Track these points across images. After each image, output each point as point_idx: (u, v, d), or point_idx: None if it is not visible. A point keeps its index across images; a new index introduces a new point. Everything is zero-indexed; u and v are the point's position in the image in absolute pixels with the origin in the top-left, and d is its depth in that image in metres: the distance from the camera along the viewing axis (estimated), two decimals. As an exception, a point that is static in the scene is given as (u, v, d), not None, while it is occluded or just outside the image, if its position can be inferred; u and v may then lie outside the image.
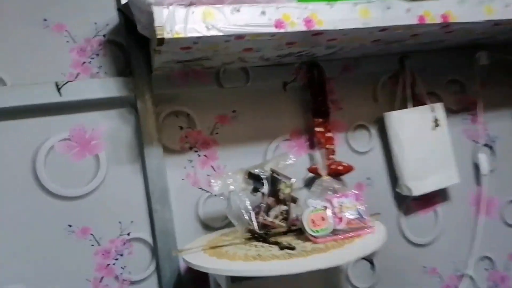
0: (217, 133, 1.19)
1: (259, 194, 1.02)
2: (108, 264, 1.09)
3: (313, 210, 0.89)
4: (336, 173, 1.19)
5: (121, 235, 1.10)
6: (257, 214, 1.00)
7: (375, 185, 1.33)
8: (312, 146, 1.27)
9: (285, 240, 0.93)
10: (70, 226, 1.07)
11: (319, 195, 0.92)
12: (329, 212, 0.90)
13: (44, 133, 1.06)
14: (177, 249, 1.04)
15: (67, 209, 1.06)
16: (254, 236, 0.96)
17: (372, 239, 0.87)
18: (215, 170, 1.18)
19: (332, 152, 1.22)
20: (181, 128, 1.17)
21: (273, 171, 1.01)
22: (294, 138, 1.27)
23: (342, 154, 1.28)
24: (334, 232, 0.89)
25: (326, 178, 0.92)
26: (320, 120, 1.22)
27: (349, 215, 0.91)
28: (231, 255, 0.86)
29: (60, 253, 1.05)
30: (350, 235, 0.88)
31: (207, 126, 1.19)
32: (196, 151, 1.18)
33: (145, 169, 1.10)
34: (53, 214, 1.05)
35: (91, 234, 1.08)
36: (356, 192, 0.93)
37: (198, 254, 0.92)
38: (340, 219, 0.90)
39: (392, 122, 1.27)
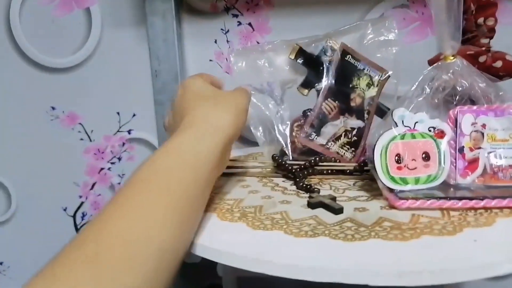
0: (274, -13, 0.70)
1: (312, 92, 0.54)
2: (102, 168, 0.78)
3: (403, 134, 0.38)
4: (489, 72, 0.60)
5: (119, 131, 0.77)
6: (299, 128, 0.53)
7: None
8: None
9: (336, 186, 0.45)
10: (53, 108, 0.77)
11: (428, 103, 0.39)
12: (444, 143, 0.38)
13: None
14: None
15: (50, 84, 0.76)
16: (281, 168, 0.50)
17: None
18: (263, 50, 0.72)
19: (490, 31, 0.62)
20: (215, -27, 0.70)
21: (346, 52, 0.50)
22: (417, 3, 0.69)
23: (509, 42, 0.66)
24: (449, 188, 0.38)
25: (453, 61, 0.38)
26: (476, -36, 0.61)
27: (496, 157, 0.38)
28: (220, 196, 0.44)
29: (43, 143, 0.78)
30: (487, 204, 0.36)
31: (257, -28, 0.70)
32: (235, 16, 0.71)
33: (149, 37, 0.70)
34: (32, 89, 0.76)
35: (80, 123, 0.77)
36: (529, 107, 0.38)
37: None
38: (473, 162, 0.38)
39: None
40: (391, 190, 0.38)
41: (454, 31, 0.37)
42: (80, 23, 0.73)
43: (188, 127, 0.36)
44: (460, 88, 0.38)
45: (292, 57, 0.53)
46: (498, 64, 0.61)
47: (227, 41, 0.72)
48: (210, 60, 0.73)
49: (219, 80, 0.46)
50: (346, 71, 0.52)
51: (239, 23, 0.71)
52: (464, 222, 0.33)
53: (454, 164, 0.39)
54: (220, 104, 0.38)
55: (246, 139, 0.75)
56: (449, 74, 0.38)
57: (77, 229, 0.80)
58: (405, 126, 0.39)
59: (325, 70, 0.52)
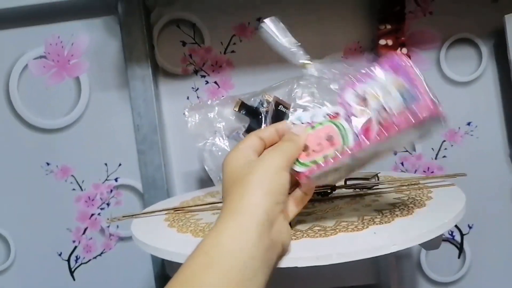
0: (233, 52, 0.85)
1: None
2: (93, 214, 0.88)
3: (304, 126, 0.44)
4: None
5: (107, 180, 0.88)
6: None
7: (480, 135, 0.85)
8: (379, 72, 0.84)
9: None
10: (48, 164, 0.87)
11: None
12: (342, 120, 0.43)
13: (17, 48, 0.86)
14: (117, 215, 0.68)
15: (44, 143, 0.87)
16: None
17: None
18: (228, 103, 0.86)
19: (405, 79, 0.78)
20: (184, 43, 0.85)
21: (278, 102, 0.64)
22: (349, 58, 0.85)
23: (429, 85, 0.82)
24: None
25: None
26: (388, 27, 0.78)
27: (385, 109, 0.41)
28: (200, 225, 0.55)
29: (38, 195, 0.87)
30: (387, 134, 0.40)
31: (219, 40, 0.85)
32: (203, 76, 0.86)
33: (131, 98, 0.83)
34: (29, 148, 0.87)
35: (72, 175, 0.87)
36: (399, 56, 0.44)
37: (155, 222, 0.63)
38: (367, 125, 0.42)
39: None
40: (295, 171, 0.41)
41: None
42: (70, 90, 0.86)
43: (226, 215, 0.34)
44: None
45: (236, 109, 0.66)
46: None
47: (197, 97, 0.86)
48: (184, 114, 0.86)
49: (272, 132, 0.42)
50: (279, 118, 0.64)
51: (207, 82, 0.86)
52: (372, 222, 0.46)
53: (356, 131, 0.42)
54: (249, 184, 0.35)
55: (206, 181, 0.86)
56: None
57: (71, 272, 0.88)
58: (304, 124, 0.44)
59: (263, 118, 0.65)
